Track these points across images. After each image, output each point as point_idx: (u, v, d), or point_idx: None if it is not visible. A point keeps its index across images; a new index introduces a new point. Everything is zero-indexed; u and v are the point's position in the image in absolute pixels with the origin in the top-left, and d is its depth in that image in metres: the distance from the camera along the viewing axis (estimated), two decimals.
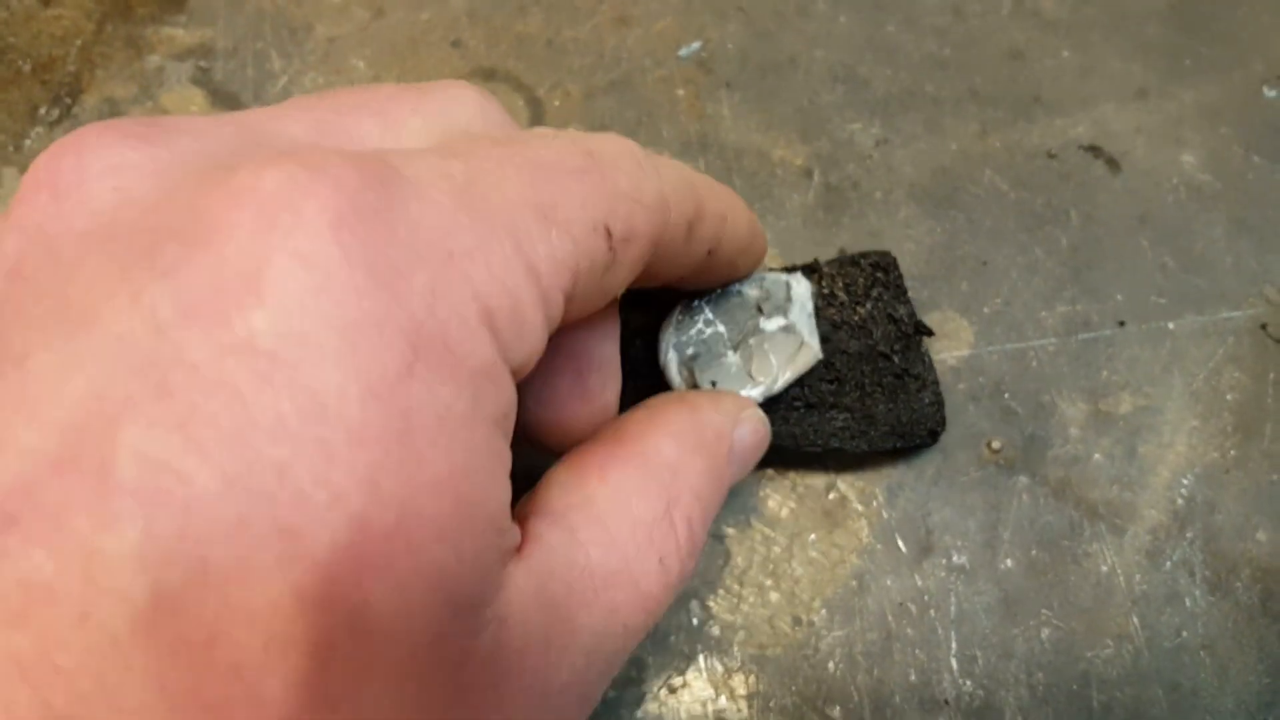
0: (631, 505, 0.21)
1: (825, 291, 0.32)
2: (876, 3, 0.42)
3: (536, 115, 0.39)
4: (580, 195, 0.18)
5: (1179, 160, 0.38)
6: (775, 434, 0.30)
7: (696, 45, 0.41)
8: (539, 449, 0.25)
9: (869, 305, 0.32)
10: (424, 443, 0.14)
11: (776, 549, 0.31)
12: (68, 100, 0.39)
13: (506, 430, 0.17)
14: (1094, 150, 0.39)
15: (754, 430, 0.27)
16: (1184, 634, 0.31)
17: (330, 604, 0.13)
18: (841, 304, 0.32)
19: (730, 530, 0.32)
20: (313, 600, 0.13)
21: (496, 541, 0.16)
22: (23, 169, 0.37)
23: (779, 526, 0.32)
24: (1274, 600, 0.31)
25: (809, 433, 0.31)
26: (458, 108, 0.20)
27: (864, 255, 0.33)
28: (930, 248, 0.36)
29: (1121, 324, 0.35)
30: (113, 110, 0.39)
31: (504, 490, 0.17)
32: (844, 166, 0.38)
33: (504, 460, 0.17)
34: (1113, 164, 0.38)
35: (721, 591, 0.31)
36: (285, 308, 0.13)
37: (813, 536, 0.32)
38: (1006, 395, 0.34)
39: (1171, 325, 0.35)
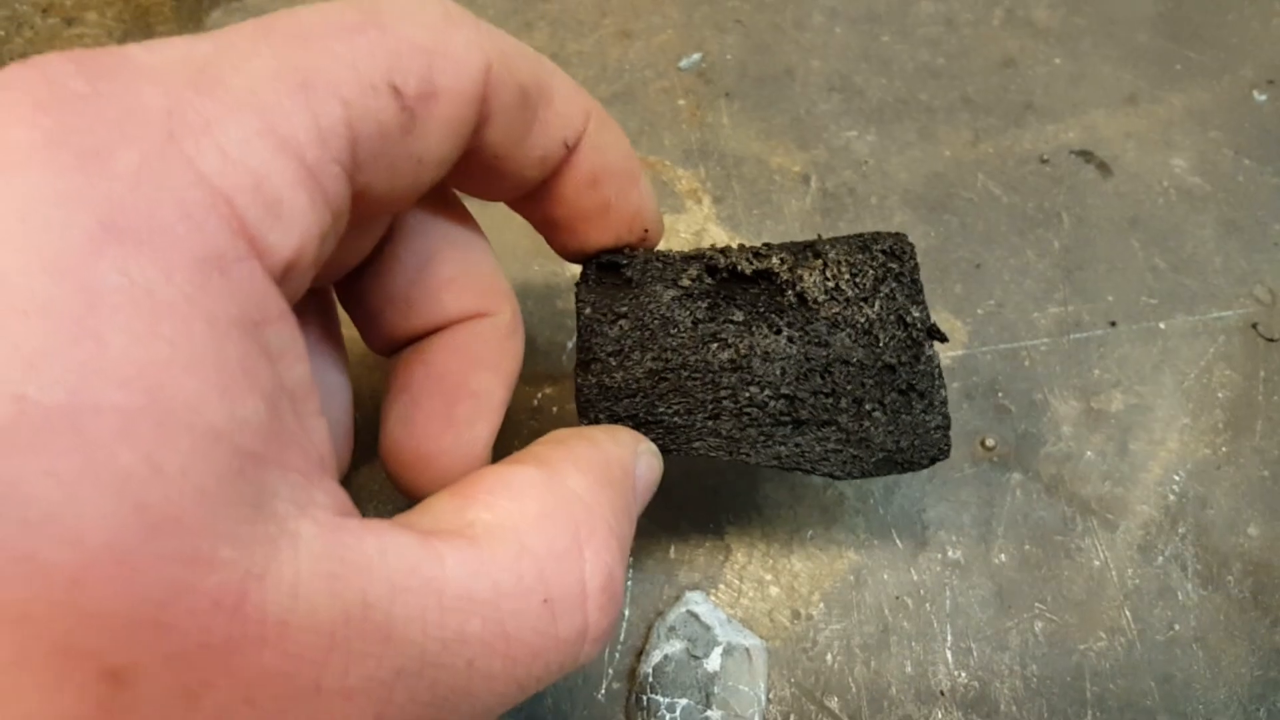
0: (523, 532, 0.18)
1: (829, 283, 0.27)
2: (871, 14, 0.43)
3: None
4: (349, 55, 0.17)
5: (1169, 164, 0.39)
6: (756, 453, 0.26)
7: (697, 57, 0.42)
8: (400, 489, 0.24)
9: (878, 305, 0.27)
10: (108, 325, 0.13)
11: (776, 544, 0.32)
12: None
13: (264, 337, 0.15)
14: (1085, 155, 0.40)
15: (649, 467, 0.25)
16: (1176, 627, 0.31)
17: None
18: (847, 299, 0.27)
19: (730, 526, 0.32)
20: None
21: (230, 467, 0.14)
22: None
23: (778, 522, 0.33)
24: (1265, 594, 0.32)
25: (795, 455, 0.26)
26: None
27: (875, 238, 0.28)
28: (925, 251, 0.37)
29: (1113, 324, 0.36)
30: None
31: (248, 405, 0.15)
32: (840, 173, 0.39)
33: (249, 369, 0.15)
34: (1104, 168, 0.39)
35: (722, 586, 0.32)
36: None
37: (811, 532, 0.32)
38: (1000, 394, 0.35)
39: (1162, 325, 0.36)
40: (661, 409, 0.26)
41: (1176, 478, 0.33)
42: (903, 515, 0.33)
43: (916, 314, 0.27)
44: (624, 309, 0.26)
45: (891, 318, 0.27)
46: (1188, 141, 0.40)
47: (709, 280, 0.27)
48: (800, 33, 0.42)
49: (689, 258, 0.27)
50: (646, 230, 0.26)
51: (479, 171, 0.22)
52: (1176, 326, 0.36)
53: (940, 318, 0.36)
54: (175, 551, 0.13)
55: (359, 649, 0.15)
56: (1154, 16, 0.43)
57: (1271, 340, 0.36)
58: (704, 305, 0.27)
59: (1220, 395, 0.35)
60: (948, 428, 0.27)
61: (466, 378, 0.24)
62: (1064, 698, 0.30)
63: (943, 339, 0.27)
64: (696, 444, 0.26)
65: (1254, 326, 0.36)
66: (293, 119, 0.16)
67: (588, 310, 0.26)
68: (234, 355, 0.14)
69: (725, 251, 0.27)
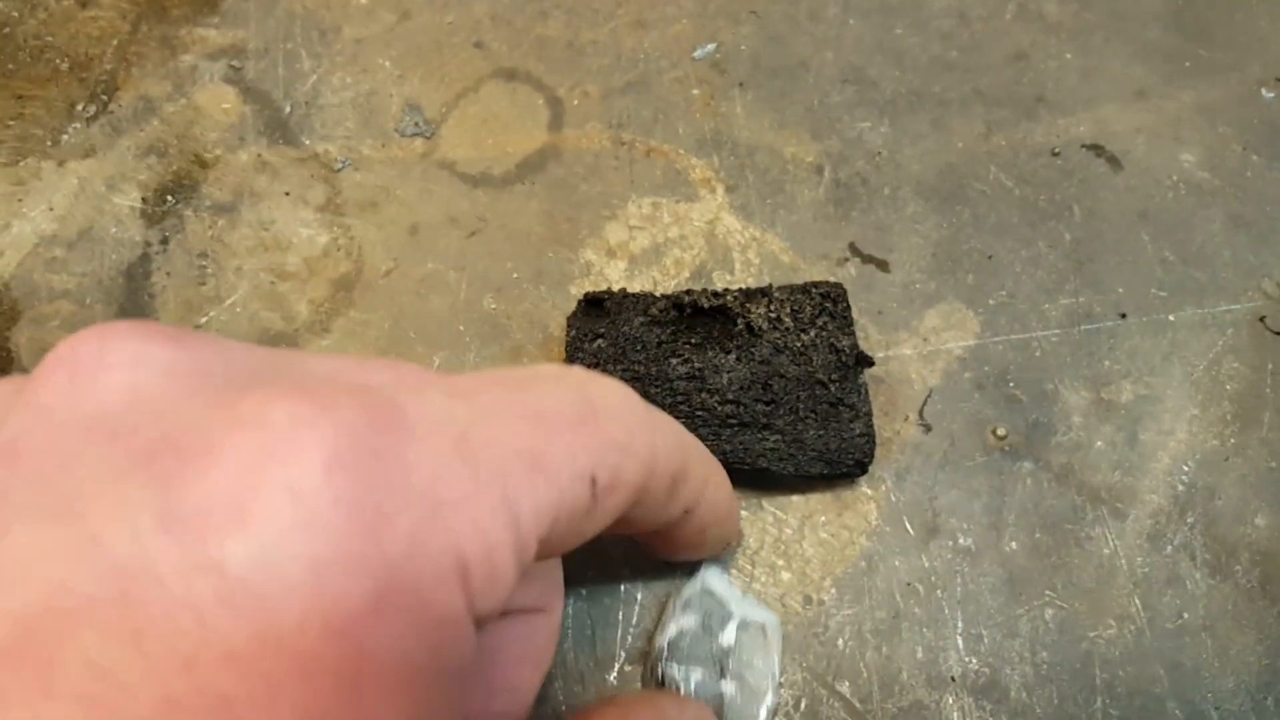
0: None
1: (773, 315, 0.33)
2: (885, 7, 0.43)
3: (556, 114, 0.40)
4: (573, 445, 0.18)
5: (1178, 158, 0.40)
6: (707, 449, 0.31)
7: (711, 47, 0.42)
8: None
9: (813, 333, 0.33)
10: (375, 688, 0.14)
11: (788, 530, 0.32)
12: (104, 98, 0.40)
13: (463, 681, 0.17)
14: (1096, 149, 0.40)
15: None
16: (1185, 615, 0.31)
17: None
18: (786, 329, 0.33)
19: (743, 512, 0.33)
20: None
21: None
22: (60, 163, 0.39)
23: (790, 509, 0.33)
24: (1273, 583, 0.32)
25: (739, 450, 0.32)
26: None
27: (816, 284, 0.34)
28: (937, 242, 0.37)
29: (1123, 316, 0.36)
30: (148, 107, 0.40)
31: None
32: (853, 164, 0.39)
33: (456, 714, 0.16)
34: (1114, 162, 0.39)
35: (735, 571, 0.32)
36: (263, 538, 0.13)
37: (823, 518, 0.33)
38: (1011, 384, 0.35)
39: (1171, 317, 0.36)
40: None
41: (1185, 468, 0.34)
42: (914, 502, 0.33)
43: (846, 343, 0.33)
44: (602, 331, 0.33)
45: (824, 345, 0.33)
46: (1197, 137, 0.40)
47: (674, 312, 0.33)
48: (814, 24, 0.43)
49: (660, 296, 0.34)
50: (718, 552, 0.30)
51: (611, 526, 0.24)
52: (1185, 319, 0.36)
53: (953, 307, 0.36)
54: None
55: None
56: (1164, 13, 0.43)
57: (1279, 333, 0.36)
58: (668, 330, 0.33)
59: (1229, 387, 0.35)
60: (872, 437, 0.32)
61: (509, 671, 0.24)
62: (1074, 684, 0.30)
63: (869, 364, 0.33)
64: None
65: (1262, 320, 0.36)
66: (523, 498, 0.17)
67: (573, 332, 0.33)
68: (454, 702, 0.16)
69: (689, 292, 0.33)
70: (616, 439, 0.20)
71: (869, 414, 0.32)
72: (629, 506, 0.21)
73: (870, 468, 0.32)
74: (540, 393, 0.19)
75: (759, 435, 0.32)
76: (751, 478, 0.33)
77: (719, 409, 0.32)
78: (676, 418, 0.31)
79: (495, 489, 0.17)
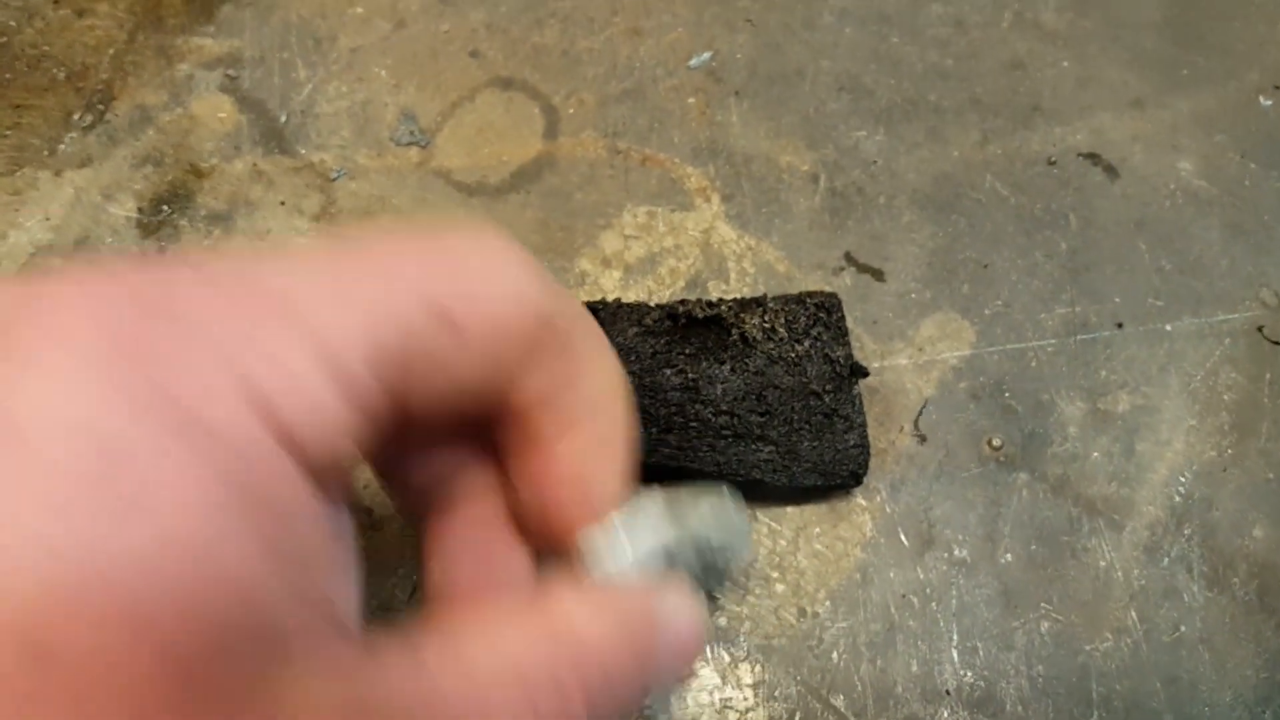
0: (512, 651, 0.19)
1: (767, 326, 0.33)
2: (881, 15, 0.43)
3: (551, 123, 0.40)
4: (404, 275, 0.18)
5: (1176, 167, 0.39)
6: (700, 459, 0.31)
7: (707, 55, 0.42)
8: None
9: (807, 343, 0.33)
10: (140, 492, 0.14)
11: (782, 542, 0.32)
12: (100, 107, 0.40)
13: (287, 514, 0.17)
14: (1092, 157, 0.40)
15: (690, 622, 0.23)
16: (1182, 628, 0.31)
17: (23, 641, 0.13)
18: (780, 339, 0.33)
19: None
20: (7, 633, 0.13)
21: (262, 629, 0.15)
22: (57, 173, 0.39)
23: (785, 520, 0.33)
24: (1271, 595, 0.32)
25: (733, 462, 0.31)
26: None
27: (810, 295, 0.34)
28: (933, 251, 0.37)
29: (1120, 325, 0.36)
30: (144, 116, 0.40)
31: (277, 577, 0.16)
32: (849, 172, 0.39)
33: (275, 543, 0.16)
34: (1111, 171, 0.39)
35: (728, 582, 0.32)
36: (32, 377, 0.15)
37: (818, 530, 0.32)
38: (1007, 394, 0.35)
39: (1169, 327, 0.36)
40: None
41: (1182, 479, 0.33)
42: (909, 514, 0.33)
43: (840, 353, 0.32)
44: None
45: (819, 355, 0.32)
46: (1194, 145, 0.40)
47: (668, 322, 0.33)
48: (810, 33, 0.43)
49: (654, 306, 0.33)
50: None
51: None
52: (1183, 329, 0.36)
53: (948, 317, 0.36)
54: (198, 699, 0.14)
55: None
56: (1161, 21, 0.43)
57: (1277, 343, 0.36)
58: (662, 340, 0.33)
59: (1226, 397, 0.35)
60: (866, 447, 0.32)
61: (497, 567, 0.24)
62: (1070, 698, 0.30)
63: (864, 374, 0.33)
64: (652, 455, 0.31)
65: (1259, 329, 0.36)
66: (331, 328, 0.17)
67: None
68: (271, 538, 0.16)
69: (684, 302, 0.33)
70: (470, 268, 0.19)
71: (863, 425, 0.32)
72: (513, 355, 0.20)
73: (865, 479, 0.32)
74: (373, 240, 0.19)
75: (753, 447, 0.32)
76: (746, 489, 0.33)
77: (714, 420, 0.32)
78: (670, 429, 0.32)
79: (291, 322, 0.17)
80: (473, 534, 0.24)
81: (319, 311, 0.17)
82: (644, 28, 0.43)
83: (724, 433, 0.32)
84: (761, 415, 0.32)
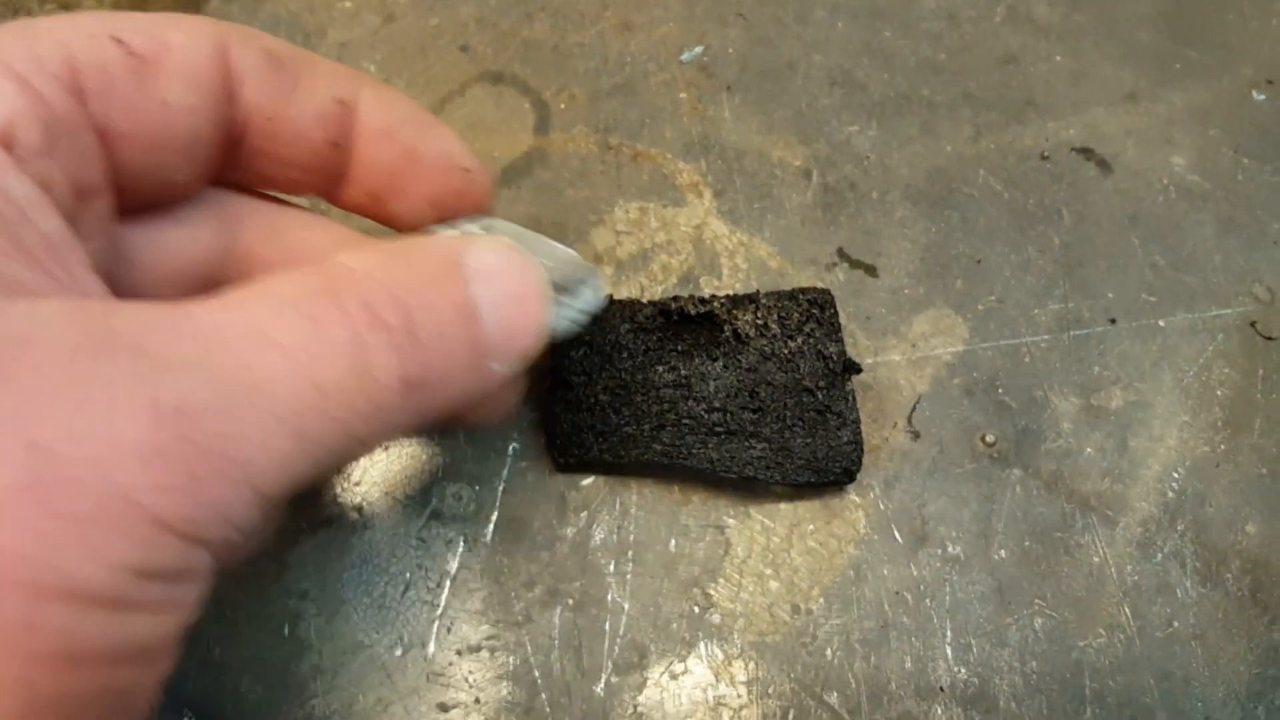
0: (281, 290, 0.19)
1: (760, 322, 0.33)
2: (873, 9, 0.43)
3: (543, 118, 0.40)
4: (72, 20, 0.21)
5: (1169, 162, 0.39)
6: (693, 457, 0.31)
7: (698, 50, 0.42)
8: None
9: (800, 340, 0.33)
10: None
11: (776, 539, 0.32)
12: None
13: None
14: (1085, 152, 0.40)
15: (506, 264, 0.22)
16: (1175, 624, 0.31)
17: None
18: (773, 336, 0.33)
19: (730, 521, 0.32)
20: None
21: None
22: None
23: (778, 517, 0.32)
24: (1263, 591, 0.32)
25: (726, 459, 0.31)
26: None
27: (803, 291, 0.34)
28: (926, 246, 0.37)
29: (1113, 321, 0.36)
30: None
31: None
32: (841, 167, 0.39)
33: None
34: (1104, 165, 0.39)
35: (722, 580, 0.31)
36: None
37: (811, 527, 0.32)
38: (1000, 390, 0.35)
39: (1162, 322, 0.36)
40: (615, 420, 0.32)
41: (1176, 475, 0.33)
42: (903, 510, 0.33)
43: (833, 350, 0.32)
44: (588, 338, 0.32)
45: (811, 352, 0.32)
46: (1187, 140, 0.40)
47: (660, 319, 0.33)
48: (802, 27, 0.42)
49: (646, 302, 0.33)
50: (467, 169, 0.27)
51: (265, 143, 0.24)
52: (1176, 324, 0.36)
53: (941, 313, 0.36)
54: None
55: (109, 357, 0.16)
56: (1154, 15, 0.43)
57: (1270, 339, 0.36)
58: (655, 338, 0.33)
59: (1219, 393, 0.35)
60: (860, 445, 0.32)
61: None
62: (1063, 694, 0.30)
63: (857, 371, 0.32)
64: (645, 453, 0.31)
65: (1252, 325, 0.36)
66: (15, 52, 0.19)
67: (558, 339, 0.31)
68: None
69: (676, 299, 0.33)
70: (140, 18, 0.21)
71: (856, 421, 0.32)
72: (231, 86, 0.23)
73: (858, 475, 0.32)
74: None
75: (746, 444, 0.31)
76: (739, 485, 0.32)
77: (706, 417, 0.32)
78: (663, 426, 0.32)
79: None
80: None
81: (6, 41, 0.19)
82: (635, 22, 0.42)
83: (717, 430, 0.32)
84: (754, 412, 0.32)
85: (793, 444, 0.32)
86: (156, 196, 0.24)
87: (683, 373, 0.32)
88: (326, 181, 0.26)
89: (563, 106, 0.40)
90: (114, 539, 0.15)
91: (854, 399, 0.32)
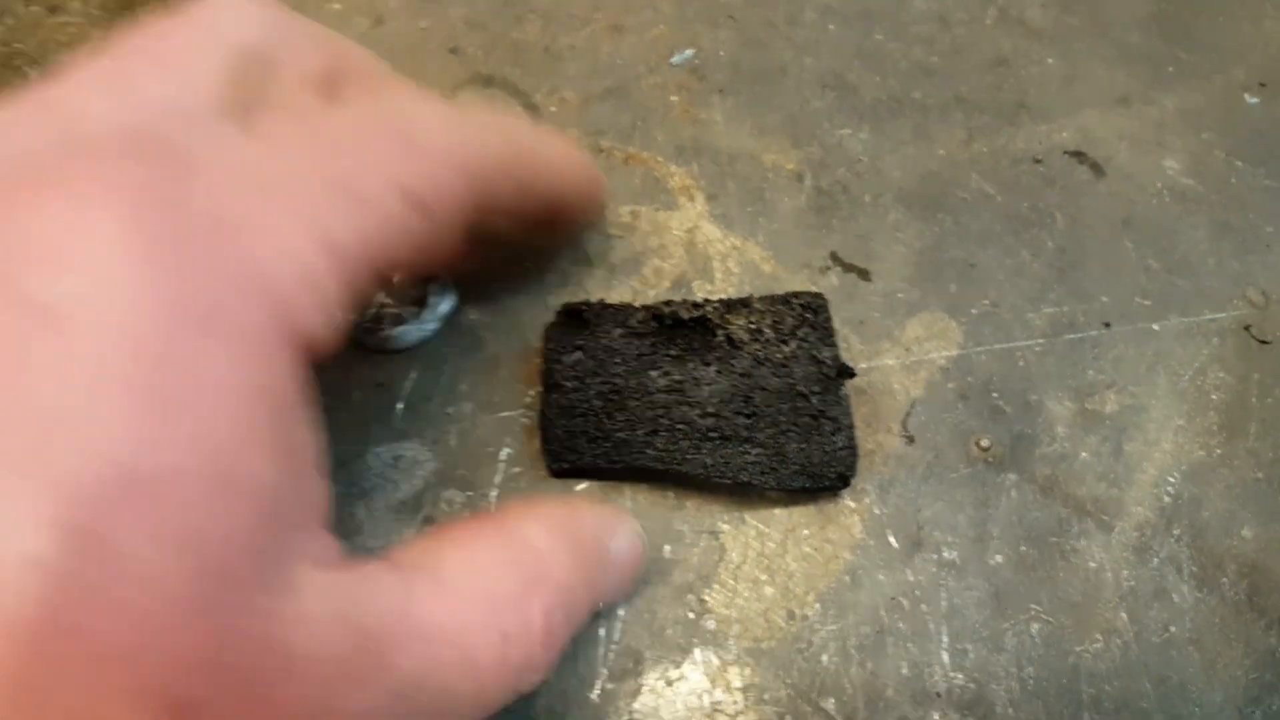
0: (482, 575, 0.21)
1: (753, 327, 0.33)
2: (865, 12, 0.43)
3: (533, 120, 0.39)
4: (378, 162, 0.20)
5: (1162, 165, 0.39)
6: (687, 462, 0.31)
7: (690, 53, 0.42)
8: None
9: (793, 344, 0.32)
10: (181, 401, 0.15)
11: (771, 544, 0.32)
12: None
13: (291, 411, 0.18)
14: (1078, 155, 0.39)
15: (631, 543, 0.27)
16: (1172, 629, 0.31)
17: (77, 531, 0.14)
18: (767, 340, 0.32)
19: (725, 526, 0.32)
20: (61, 525, 0.14)
21: (275, 528, 0.16)
22: None
23: (773, 522, 0.32)
24: (1260, 595, 0.31)
25: (720, 464, 0.31)
26: (234, 25, 0.21)
27: (796, 295, 0.33)
28: (919, 250, 0.37)
29: (1107, 325, 0.36)
30: None
31: (285, 476, 0.17)
32: (834, 171, 0.39)
33: (283, 441, 0.17)
34: (1097, 169, 0.39)
35: (717, 586, 0.31)
36: (69, 273, 0.15)
37: (806, 532, 0.32)
38: (994, 394, 0.34)
39: (1156, 326, 0.36)
40: (609, 425, 0.31)
41: (1171, 479, 0.33)
42: (898, 516, 0.32)
43: (827, 354, 0.32)
44: (580, 343, 0.32)
45: (805, 356, 0.32)
46: (1180, 143, 0.40)
47: (653, 324, 0.32)
48: (793, 29, 0.42)
49: (639, 307, 0.33)
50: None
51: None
52: (1170, 328, 0.36)
53: (935, 317, 0.36)
54: (229, 599, 0.15)
55: (360, 676, 0.17)
56: (1146, 18, 0.43)
57: (1264, 342, 0.36)
58: (647, 342, 0.32)
59: (1214, 397, 0.35)
60: (854, 449, 0.32)
61: None
62: (1060, 699, 0.30)
63: (850, 375, 0.32)
64: (639, 458, 0.31)
65: (1247, 329, 0.36)
66: (334, 220, 0.18)
67: (550, 344, 0.32)
68: (278, 427, 0.17)
69: (669, 303, 0.33)
70: (436, 148, 0.21)
71: (851, 426, 0.32)
72: (476, 210, 0.23)
73: (853, 480, 0.32)
74: (338, 119, 0.21)
75: (740, 449, 0.31)
76: (734, 490, 0.32)
77: (699, 422, 0.31)
78: (657, 431, 0.31)
79: (298, 216, 0.18)
80: None
81: (319, 201, 0.18)
82: (626, 24, 0.42)
83: (711, 435, 0.31)
84: (748, 417, 0.31)
85: (787, 449, 0.31)
86: None
87: (676, 378, 0.32)
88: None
89: (554, 109, 0.40)
90: None
91: (848, 403, 0.32)
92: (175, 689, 0.15)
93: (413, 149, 0.21)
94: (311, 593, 0.17)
